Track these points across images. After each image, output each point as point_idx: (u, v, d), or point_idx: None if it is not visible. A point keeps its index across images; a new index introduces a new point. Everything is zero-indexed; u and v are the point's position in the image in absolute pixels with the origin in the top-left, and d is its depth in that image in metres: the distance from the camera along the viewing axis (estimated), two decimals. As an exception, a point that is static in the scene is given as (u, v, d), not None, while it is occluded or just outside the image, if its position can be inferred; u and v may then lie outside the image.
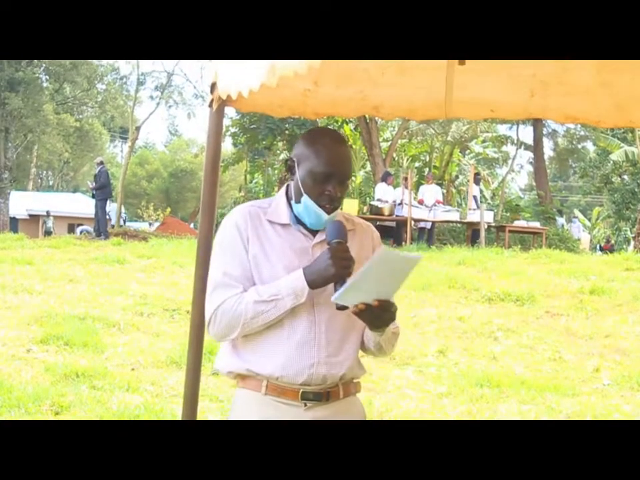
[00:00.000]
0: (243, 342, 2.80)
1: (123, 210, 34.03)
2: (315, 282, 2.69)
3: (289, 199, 2.87)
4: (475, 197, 21.41)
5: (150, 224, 42.81)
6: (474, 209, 20.42)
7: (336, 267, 2.65)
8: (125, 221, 35.48)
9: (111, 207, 31.56)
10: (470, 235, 20.42)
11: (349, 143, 32.09)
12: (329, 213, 2.77)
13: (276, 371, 2.74)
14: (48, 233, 32.56)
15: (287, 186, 2.91)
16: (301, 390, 2.76)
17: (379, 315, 2.68)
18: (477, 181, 22.20)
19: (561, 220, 28.61)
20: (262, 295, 2.70)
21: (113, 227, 27.77)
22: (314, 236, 2.82)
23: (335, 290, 2.65)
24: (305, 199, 2.77)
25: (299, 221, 2.83)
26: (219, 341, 2.85)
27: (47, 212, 37.71)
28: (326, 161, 2.74)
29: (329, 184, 2.75)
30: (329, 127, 29.64)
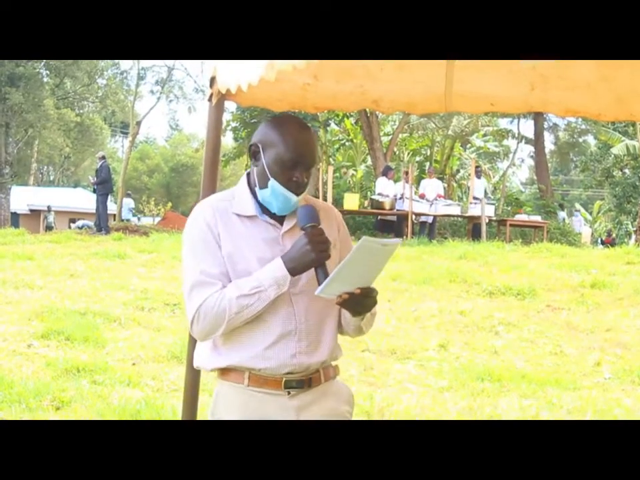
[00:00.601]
0: (222, 337, 2.78)
1: (132, 204, 34.02)
2: (296, 269, 2.69)
3: (251, 188, 2.85)
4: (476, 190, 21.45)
5: (138, 218, 42.48)
6: (475, 202, 20.40)
7: (315, 252, 2.65)
8: (133, 215, 35.38)
9: (125, 202, 31.67)
10: (471, 229, 20.42)
11: (350, 137, 32.10)
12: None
13: (258, 364, 2.74)
14: (49, 228, 32.52)
15: (248, 174, 2.89)
16: (284, 379, 2.77)
17: (361, 301, 2.69)
18: (478, 174, 22.16)
19: (562, 214, 28.58)
20: (243, 288, 2.68)
21: (138, 219, 27.76)
22: (281, 224, 2.82)
23: (317, 274, 2.67)
24: (273, 182, 2.75)
25: (264, 211, 2.82)
26: (203, 340, 2.82)
27: (48, 207, 37.58)
28: (294, 147, 2.73)
29: (296, 170, 2.74)
30: (330, 120, 29.70)
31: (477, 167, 23.40)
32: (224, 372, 2.82)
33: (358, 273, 2.62)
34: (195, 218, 2.81)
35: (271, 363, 2.74)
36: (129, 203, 32.65)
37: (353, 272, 2.60)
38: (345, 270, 2.58)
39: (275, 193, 2.75)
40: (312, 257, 2.66)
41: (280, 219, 2.82)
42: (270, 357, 2.74)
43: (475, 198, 20.65)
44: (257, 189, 2.82)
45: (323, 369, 2.85)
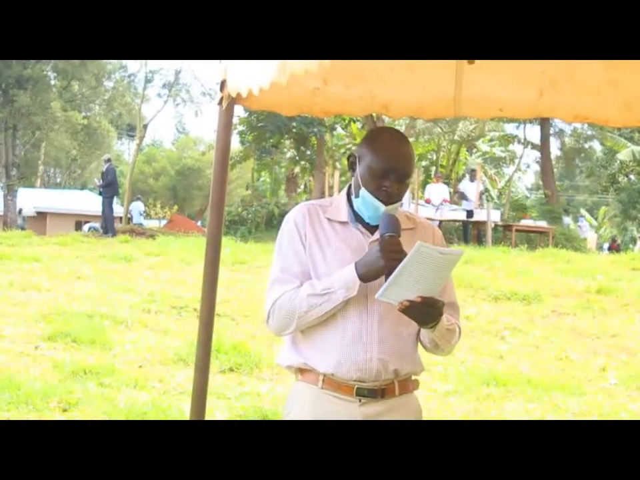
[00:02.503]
0: (301, 336, 2.85)
1: (142, 207, 33.90)
2: (366, 274, 2.71)
3: (349, 197, 2.92)
4: (462, 193, 21.59)
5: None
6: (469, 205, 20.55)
7: (385, 259, 2.66)
8: (144, 218, 35.21)
9: (135, 205, 31.59)
10: (476, 233, 20.43)
11: (356, 142, 32.08)
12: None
13: (329, 368, 2.78)
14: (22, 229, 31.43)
15: (349, 185, 2.95)
16: (356, 386, 2.79)
17: (424, 311, 2.68)
18: (472, 178, 22.22)
19: (567, 219, 28.52)
20: (316, 288, 2.75)
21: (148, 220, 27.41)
22: (372, 234, 2.85)
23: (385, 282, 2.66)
24: (363, 191, 2.81)
25: (358, 219, 2.87)
26: (278, 335, 2.90)
27: (20, 210, 36.09)
28: (384, 157, 2.78)
29: (386, 179, 2.78)
30: (336, 125, 29.71)
31: (472, 170, 23.53)
32: (302, 371, 2.88)
33: (418, 280, 2.61)
34: (287, 219, 2.93)
35: (342, 367, 2.77)
36: (139, 206, 32.55)
37: (412, 278, 2.60)
38: (402, 275, 2.58)
39: (365, 202, 2.81)
40: (381, 265, 2.67)
41: (372, 228, 2.86)
42: (342, 361, 2.77)
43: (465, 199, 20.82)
44: (352, 197, 2.89)
45: (398, 381, 2.86)
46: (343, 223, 2.87)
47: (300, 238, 2.84)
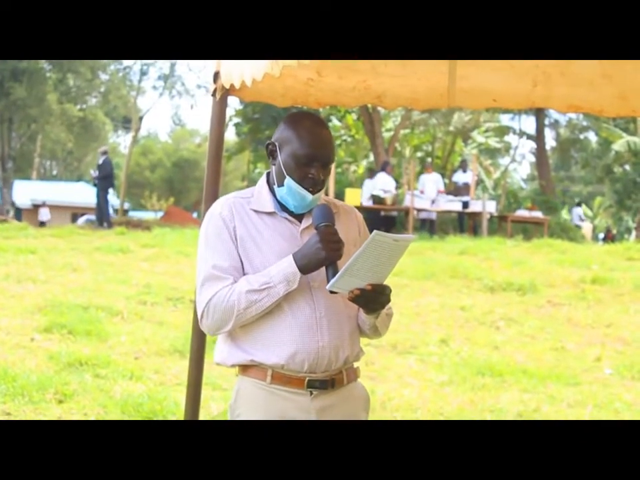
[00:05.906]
0: (242, 333, 2.78)
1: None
2: (306, 266, 2.68)
3: (270, 186, 2.86)
4: (456, 184, 21.65)
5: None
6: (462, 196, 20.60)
7: (326, 250, 2.64)
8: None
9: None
10: (472, 224, 20.42)
11: (352, 133, 32.08)
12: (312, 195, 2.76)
13: (281, 360, 2.72)
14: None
15: (268, 173, 2.90)
16: (307, 378, 2.75)
17: (374, 298, 2.68)
18: (464, 168, 22.20)
19: (578, 210, 28.35)
20: (253, 284, 2.68)
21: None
22: (300, 222, 2.82)
23: (327, 273, 2.66)
24: (288, 180, 2.75)
25: (283, 208, 2.83)
26: (213, 335, 2.84)
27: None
28: (308, 143, 2.73)
29: (311, 167, 2.74)
30: (332, 116, 29.68)
31: (462, 160, 23.53)
32: (245, 368, 2.81)
33: (370, 268, 2.61)
34: (211, 213, 2.83)
35: (294, 358, 2.72)
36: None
37: (365, 267, 2.59)
38: (356, 264, 2.57)
39: (291, 191, 2.76)
40: (323, 256, 2.65)
41: (299, 217, 2.82)
42: (294, 352, 2.72)
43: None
44: (275, 187, 2.82)
45: (345, 369, 2.84)
46: (270, 214, 2.81)
47: (229, 233, 2.76)
